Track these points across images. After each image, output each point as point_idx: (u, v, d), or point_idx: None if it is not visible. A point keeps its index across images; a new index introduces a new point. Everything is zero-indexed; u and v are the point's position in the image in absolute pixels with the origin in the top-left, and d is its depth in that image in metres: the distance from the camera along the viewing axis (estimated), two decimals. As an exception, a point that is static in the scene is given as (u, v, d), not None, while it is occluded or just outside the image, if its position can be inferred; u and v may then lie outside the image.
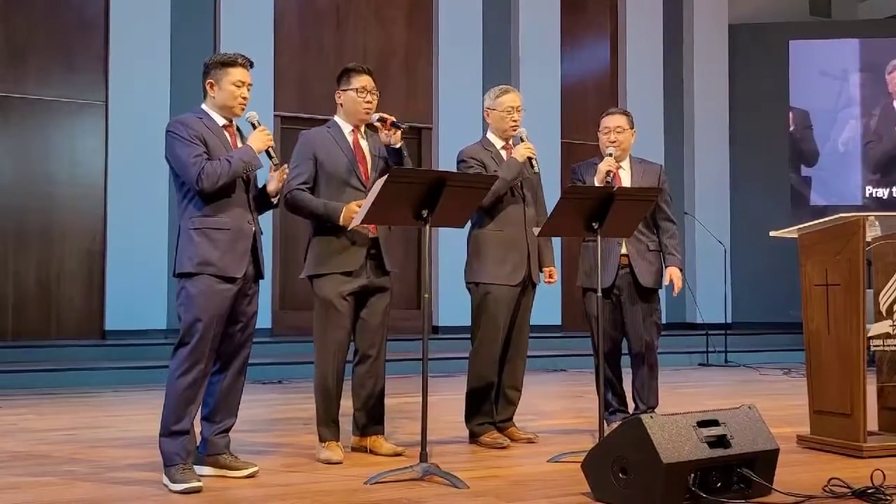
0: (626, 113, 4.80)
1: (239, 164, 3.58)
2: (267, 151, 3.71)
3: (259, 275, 3.73)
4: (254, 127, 3.73)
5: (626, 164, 4.78)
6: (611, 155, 4.62)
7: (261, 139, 3.68)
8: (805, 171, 11.71)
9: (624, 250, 4.66)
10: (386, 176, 3.58)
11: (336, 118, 4.23)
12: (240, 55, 3.74)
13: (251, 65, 3.76)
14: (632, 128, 4.77)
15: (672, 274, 4.69)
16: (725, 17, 11.77)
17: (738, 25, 11.87)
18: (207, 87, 3.71)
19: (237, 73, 3.68)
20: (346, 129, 4.19)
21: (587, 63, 11.30)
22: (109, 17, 8.78)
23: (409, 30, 10.21)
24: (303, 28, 9.72)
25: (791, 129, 11.65)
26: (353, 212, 3.90)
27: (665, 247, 4.73)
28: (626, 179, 4.73)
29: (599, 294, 4.23)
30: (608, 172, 4.55)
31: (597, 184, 4.51)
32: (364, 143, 4.20)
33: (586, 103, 11.16)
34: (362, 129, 4.22)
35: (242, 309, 3.67)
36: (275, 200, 3.84)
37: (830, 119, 11.69)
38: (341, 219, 3.96)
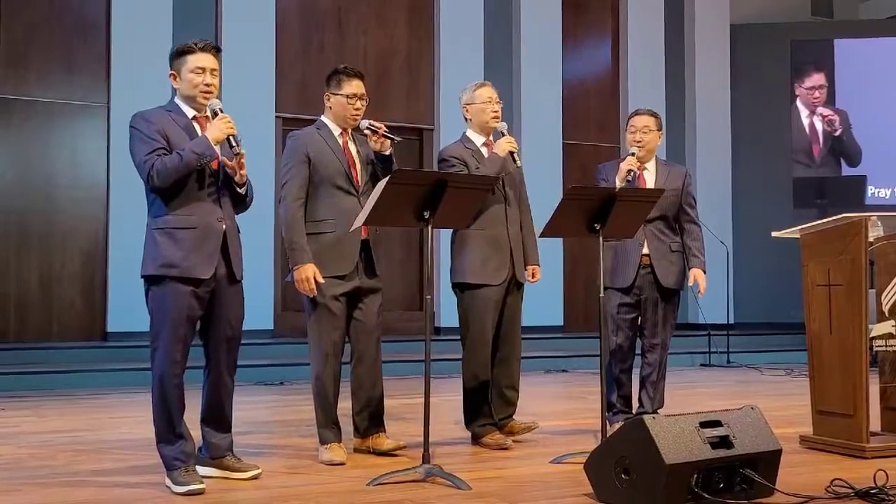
0: (654, 114, 4.78)
1: (191, 156, 3.39)
2: (228, 140, 3.48)
3: (233, 275, 3.58)
4: (215, 115, 3.54)
5: (651, 165, 4.77)
6: (633, 154, 4.62)
7: (219, 128, 3.45)
8: (853, 170, 11.63)
9: (645, 250, 4.65)
10: (387, 178, 3.58)
11: (324, 119, 4.21)
12: (201, 40, 3.56)
13: (216, 49, 3.58)
14: (659, 129, 4.76)
15: (696, 275, 4.69)
16: (727, 16, 11.76)
17: (740, 25, 11.86)
18: (171, 80, 3.58)
19: (195, 60, 3.51)
20: (336, 131, 4.17)
21: (589, 63, 11.29)
22: (111, 19, 8.78)
23: (410, 31, 10.22)
24: (304, 29, 9.73)
25: (837, 130, 11.59)
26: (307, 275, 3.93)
27: (689, 249, 4.73)
28: (650, 180, 4.72)
29: (602, 294, 4.24)
30: (629, 171, 4.55)
31: (618, 183, 4.51)
32: (352, 146, 4.18)
33: (588, 104, 11.16)
34: (350, 131, 4.21)
35: (221, 311, 3.56)
36: (242, 191, 3.61)
37: (877, 118, 11.58)
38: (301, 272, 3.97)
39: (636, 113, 4.80)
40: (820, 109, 11.66)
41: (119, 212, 8.57)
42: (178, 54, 3.55)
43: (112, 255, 8.58)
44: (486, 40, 10.32)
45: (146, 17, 8.75)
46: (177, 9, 8.94)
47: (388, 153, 4.10)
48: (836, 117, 11.63)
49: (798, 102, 11.73)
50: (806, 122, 11.76)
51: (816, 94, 11.72)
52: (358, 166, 4.15)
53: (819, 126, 11.70)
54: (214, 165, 3.53)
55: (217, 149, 3.50)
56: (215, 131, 3.48)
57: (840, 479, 3.34)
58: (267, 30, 9.30)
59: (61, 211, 8.64)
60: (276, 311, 9.22)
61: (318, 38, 9.76)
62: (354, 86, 4.15)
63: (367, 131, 4.10)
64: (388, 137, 4.08)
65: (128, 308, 8.31)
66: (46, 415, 5.72)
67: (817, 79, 11.75)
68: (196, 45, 3.54)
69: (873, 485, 3.26)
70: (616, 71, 11.30)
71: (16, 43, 8.56)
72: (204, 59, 3.54)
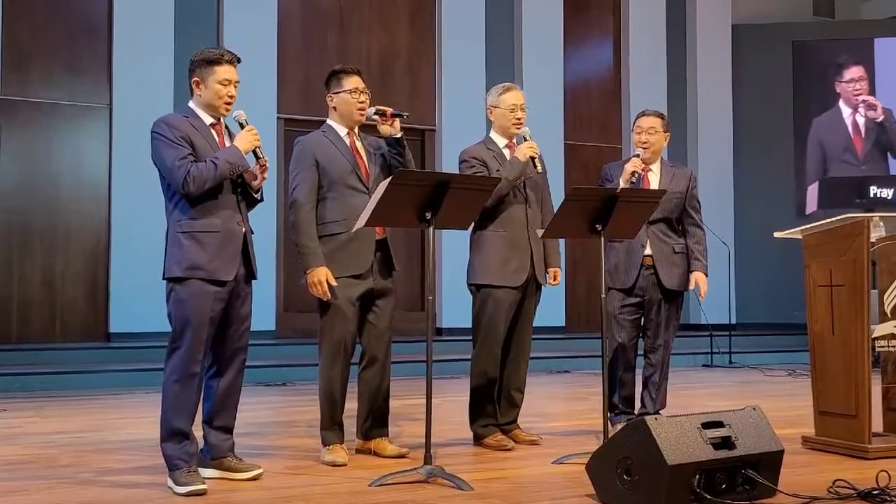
0: (661, 115, 4.77)
1: (225, 165, 3.50)
2: (254, 151, 3.61)
3: (251, 275, 3.68)
4: (241, 126, 3.64)
5: (656, 166, 4.76)
6: (638, 156, 4.61)
7: (247, 139, 3.59)
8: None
9: (648, 251, 4.64)
10: (390, 178, 3.58)
11: (330, 121, 4.21)
12: (226, 51, 3.64)
13: (238, 60, 3.66)
14: (666, 131, 4.75)
15: (698, 279, 4.68)
16: (728, 17, 11.77)
17: (741, 26, 11.86)
18: (193, 86, 3.63)
19: (223, 72, 3.59)
20: (342, 131, 4.17)
21: (590, 64, 11.30)
22: (113, 20, 8.80)
23: (412, 31, 10.23)
24: (306, 30, 9.74)
25: (879, 117, 11.51)
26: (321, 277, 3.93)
27: (692, 252, 4.71)
28: (654, 182, 4.71)
29: (604, 295, 4.25)
30: (634, 173, 4.54)
31: (622, 184, 4.50)
32: (359, 144, 4.19)
33: (589, 104, 11.17)
34: (356, 129, 4.22)
35: (236, 311, 3.63)
36: (258, 196, 3.75)
37: None
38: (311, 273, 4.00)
39: (643, 114, 4.79)
40: (862, 97, 11.57)
41: (121, 212, 8.59)
42: (207, 63, 3.60)
43: (114, 256, 8.60)
44: (488, 41, 10.33)
45: (148, 18, 8.77)
46: (179, 10, 8.96)
47: (399, 135, 4.10)
48: (877, 102, 11.56)
49: (841, 103, 11.67)
50: (849, 120, 11.67)
51: (857, 86, 11.64)
52: (367, 164, 4.15)
53: (861, 122, 11.62)
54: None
55: None
56: (244, 142, 3.59)
57: (842, 480, 3.34)
58: (269, 30, 9.32)
59: (64, 211, 8.65)
60: (279, 312, 9.23)
61: (320, 38, 9.77)
62: (354, 80, 4.15)
63: (375, 117, 4.10)
64: (397, 115, 4.09)
65: (130, 309, 8.35)
66: (49, 415, 5.72)
67: (856, 71, 11.68)
68: (223, 56, 3.61)
69: (876, 486, 3.25)
70: (618, 71, 11.30)
71: (19, 44, 8.58)
72: (230, 72, 3.62)
